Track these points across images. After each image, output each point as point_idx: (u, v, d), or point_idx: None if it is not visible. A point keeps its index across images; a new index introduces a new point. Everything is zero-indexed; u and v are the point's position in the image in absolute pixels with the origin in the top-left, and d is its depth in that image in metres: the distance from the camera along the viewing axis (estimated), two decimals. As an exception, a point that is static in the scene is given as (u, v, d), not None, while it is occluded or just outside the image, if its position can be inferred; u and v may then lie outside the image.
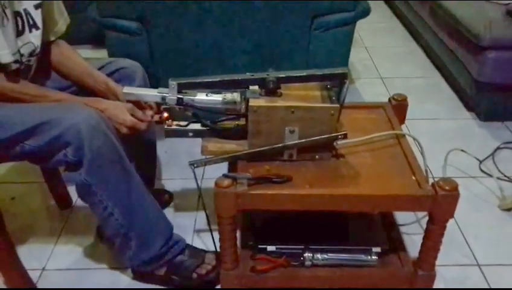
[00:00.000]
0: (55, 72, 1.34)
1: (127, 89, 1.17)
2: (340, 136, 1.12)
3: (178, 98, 1.12)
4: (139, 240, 1.25)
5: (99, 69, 1.33)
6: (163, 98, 1.14)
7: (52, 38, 1.33)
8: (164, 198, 1.64)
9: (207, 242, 1.47)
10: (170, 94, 1.12)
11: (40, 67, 1.30)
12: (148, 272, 1.33)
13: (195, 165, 1.13)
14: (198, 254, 1.35)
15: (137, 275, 1.37)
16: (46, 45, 1.31)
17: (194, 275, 1.31)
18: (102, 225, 1.25)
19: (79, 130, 1.08)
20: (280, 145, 1.12)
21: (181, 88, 1.12)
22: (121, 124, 1.18)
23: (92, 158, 1.10)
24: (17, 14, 1.15)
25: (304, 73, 1.13)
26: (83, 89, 1.31)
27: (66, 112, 1.11)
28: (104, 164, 1.13)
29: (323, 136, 1.12)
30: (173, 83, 1.11)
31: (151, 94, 1.15)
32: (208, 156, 1.16)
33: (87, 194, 1.16)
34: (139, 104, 1.24)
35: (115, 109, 1.18)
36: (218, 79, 1.12)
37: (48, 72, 1.34)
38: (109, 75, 1.33)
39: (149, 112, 1.23)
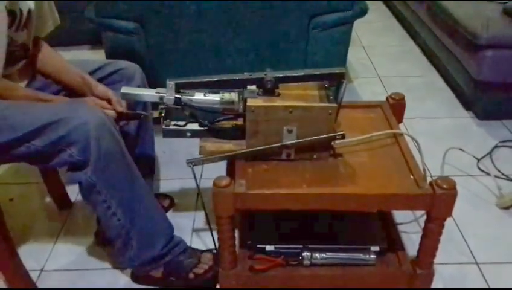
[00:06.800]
0: (39, 73, 1.33)
1: (124, 89, 1.17)
2: (338, 136, 1.12)
3: (176, 98, 1.12)
4: (140, 240, 1.24)
5: (98, 70, 1.33)
6: (161, 98, 1.14)
7: (41, 35, 1.31)
8: (165, 203, 1.62)
9: (206, 242, 1.47)
10: (168, 94, 1.12)
11: (25, 69, 1.29)
12: (146, 274, 1.33)
13: (193, 164, 1.14)
14: (195, 253, 1.35)
15: (135, 277, 1.36)
16: (32, 44, 1.29)
17: (191, 275, 1.31)
18: (104, 225, 1.24)
19: (86, 129, 1.08)
20: (278, 144, 1.12)
21: (179, 88, 1.12)
22: None
23: (99, 157, 1.10)
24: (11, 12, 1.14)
25: (301, 73, 1.13)
26: (63, 87, 1.31)
27: (73, 111, 1.11)
28: (109, 162, 1.13)
29: (321, 136, 1.12)
30: (171, 83, 1.11)
31: (149, 94, 1.15)
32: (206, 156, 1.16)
33: (91, 193, 1.15)
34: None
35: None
36: (216, 79, 1.12)
37: (33, 74, 1.33)
38: (108, 76, 1.33)
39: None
